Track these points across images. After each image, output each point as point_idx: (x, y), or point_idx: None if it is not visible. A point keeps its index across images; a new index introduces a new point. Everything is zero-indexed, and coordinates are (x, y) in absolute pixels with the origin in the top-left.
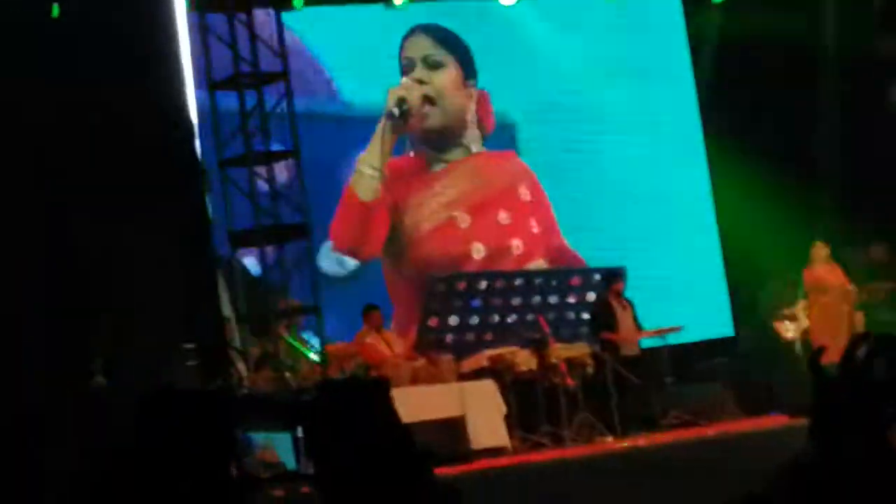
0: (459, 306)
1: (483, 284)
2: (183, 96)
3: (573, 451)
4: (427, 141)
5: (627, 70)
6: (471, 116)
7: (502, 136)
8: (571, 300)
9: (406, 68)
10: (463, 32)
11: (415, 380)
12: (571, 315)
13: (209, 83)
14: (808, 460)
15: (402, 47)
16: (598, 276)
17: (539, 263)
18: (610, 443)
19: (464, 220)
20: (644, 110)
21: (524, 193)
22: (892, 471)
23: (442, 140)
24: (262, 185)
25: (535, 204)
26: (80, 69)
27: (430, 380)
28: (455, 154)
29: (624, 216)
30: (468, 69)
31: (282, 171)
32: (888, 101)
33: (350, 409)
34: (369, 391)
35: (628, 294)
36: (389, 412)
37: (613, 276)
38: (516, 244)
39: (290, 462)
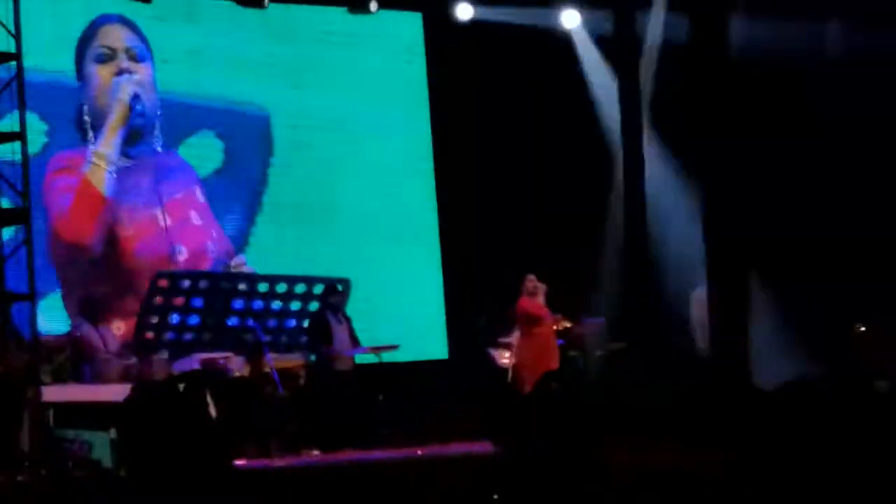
0: (181, 304)
1: (205, 284)
2: None
3: (278, 462)
4: (124, 136)
5: (360, 80)
6: (159, 114)
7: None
8: (293, 308)
9: (104, 56)
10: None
11: (125, 378)
12: (293, 323)
13: None
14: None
15: (92, 35)
16: (321, 286)
17: (240, 259)
18: (316, 456)
19: (164, 219)
20: (375, 120)
21: (199, 196)
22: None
23: (137, 136)
24: None
25: (207, 207)
26: None
27: (141, 379)
28: (141, 152)
29: (351, 228)
30: (154, 65)
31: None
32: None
33: (161, 410)
34: (181, 391)
35: (348, 309)
36: (197, 408)
37: (331, 290)
38: (210, 247)
39: (105, 460)
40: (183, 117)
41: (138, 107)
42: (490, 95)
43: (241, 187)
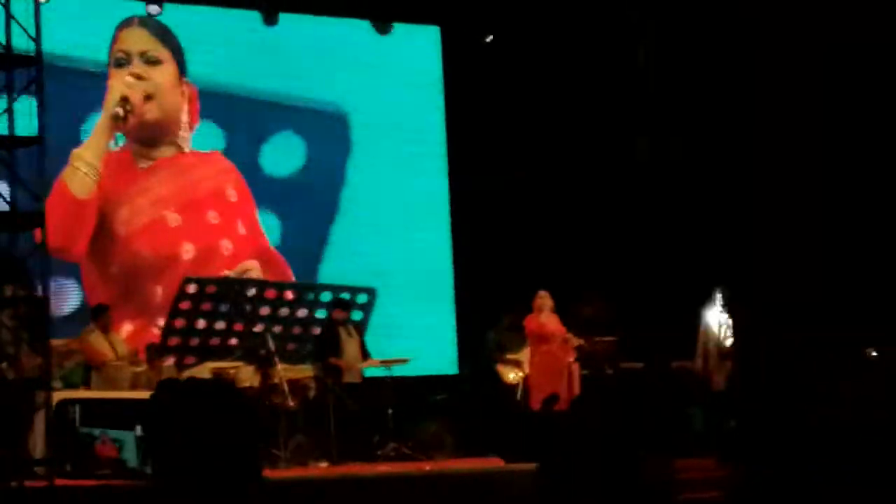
0: (207, 310)
1: (232, 290)
2: None
3: (286, 473)
4: (139, 137)
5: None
6: (184, 115)
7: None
8: (320, 315)
9: (120, 61)
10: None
11: (135, 384)
12: (312, 332)
13: None
14: None
15: (115, 38)
16: (346, 296)
17: (251, 264)
18: (324, 468)
19: (174, 220)
20: (389, 129)
21: (231, 194)
22: None
23: (155, 137)
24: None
25: (241, 205)
26: None
27: (150, 386)
28: (165, 152)
29: (365, 239)
30: (182, 66)
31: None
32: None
33: (189, 410)
34: (208, 392)
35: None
36: (225, 412)
37: (339, 302)
38: (225, 245)
39: (131, 459)
40: (262, 116)
41: (118, 109)
42: (500, 105)
43: (320, 185)
